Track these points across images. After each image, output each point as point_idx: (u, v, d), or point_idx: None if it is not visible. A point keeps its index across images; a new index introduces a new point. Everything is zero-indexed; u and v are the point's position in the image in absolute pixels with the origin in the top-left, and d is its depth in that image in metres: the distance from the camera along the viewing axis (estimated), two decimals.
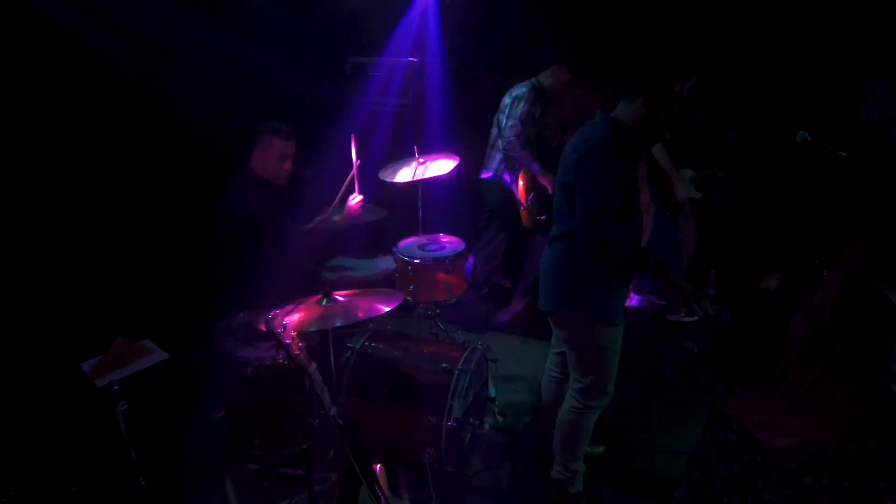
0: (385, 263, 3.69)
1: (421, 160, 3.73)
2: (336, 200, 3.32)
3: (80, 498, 2.58)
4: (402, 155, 3.87)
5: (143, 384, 2.56)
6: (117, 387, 2.37)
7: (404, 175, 3.73)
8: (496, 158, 4.37)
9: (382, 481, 2.32)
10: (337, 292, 2.68)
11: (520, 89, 4.21)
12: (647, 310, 5.04)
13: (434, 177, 3.70)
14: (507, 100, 4.23)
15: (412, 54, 4.99)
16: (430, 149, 3.99)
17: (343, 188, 3.31)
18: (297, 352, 2.05)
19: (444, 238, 3.83)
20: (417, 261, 3.54)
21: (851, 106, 4.28)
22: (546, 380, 3.09)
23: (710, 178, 4.44)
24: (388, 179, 3.75)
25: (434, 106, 5.03)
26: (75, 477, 2.61)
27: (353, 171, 3.30)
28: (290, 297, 2.85)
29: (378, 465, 2.41)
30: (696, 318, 4.57)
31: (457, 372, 2.81)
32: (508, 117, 4.18)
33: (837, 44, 4.14)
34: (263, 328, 2.07)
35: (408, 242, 3.78)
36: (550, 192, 4.24)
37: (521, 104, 4.16)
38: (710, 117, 4.52)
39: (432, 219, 3.99)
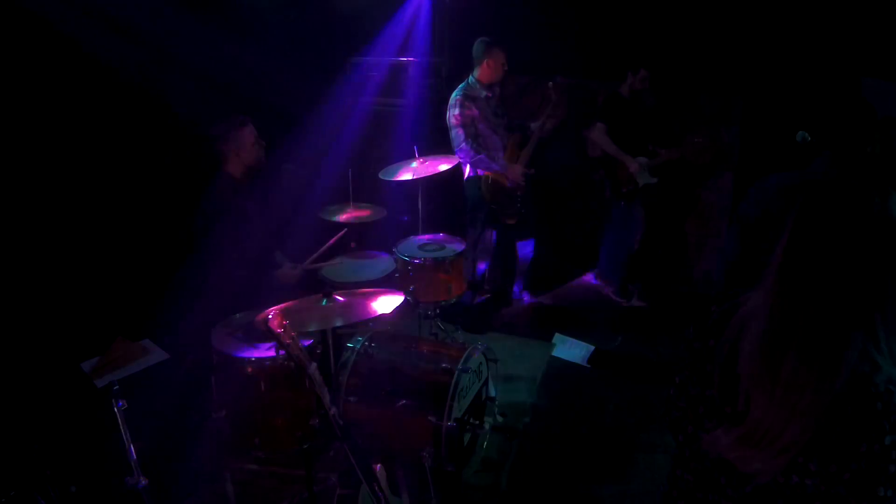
0: (385, 263, 3.70)
1: (421, 160, 3.73)
2: (316, 255, 3.42)
3: (80, 498, 2.57)
4: (402, 155, 3.88)
5: (143, 384, 2.56)
6: (117, 387, 2.37)
7: (404, 175, 3.73)
8: None
9: (382, 481, 2.32)
10: (337, 292, 2.68)
11: (451, 98, 4.25)
12: (593, 290, 5.15)
13: (434, 176, 3.70)
14: None
15: (412, 54, 4.99)
16: (430, 149, 4.00)
17: (325, 248, 3.45)
18: (298, 352, 2.05)
19: (444, 238, 3.83)
20: (417, 261, 3.54)
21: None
22: None
23: (663, 162, 4.57)
24: (388, 179, 3.75)
25: (434, 106, 5.03)
26: (75, 477, 2.61)
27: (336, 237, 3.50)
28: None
29: (378, 465, 2.41)
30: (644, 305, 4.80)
31: (457, 372, 2.81)
32: (450, 130, 4.22)
33: (837, 44, 4.13)
34: (263, 328, 2.08)
35: (408, 242, 3.78)
36: (514, 185, 4.28)
37: (450, 111, 4.20)
38: (655, 105, 4.68)
39: (432, 219, 4.00)
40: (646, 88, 4.53)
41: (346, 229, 3.60)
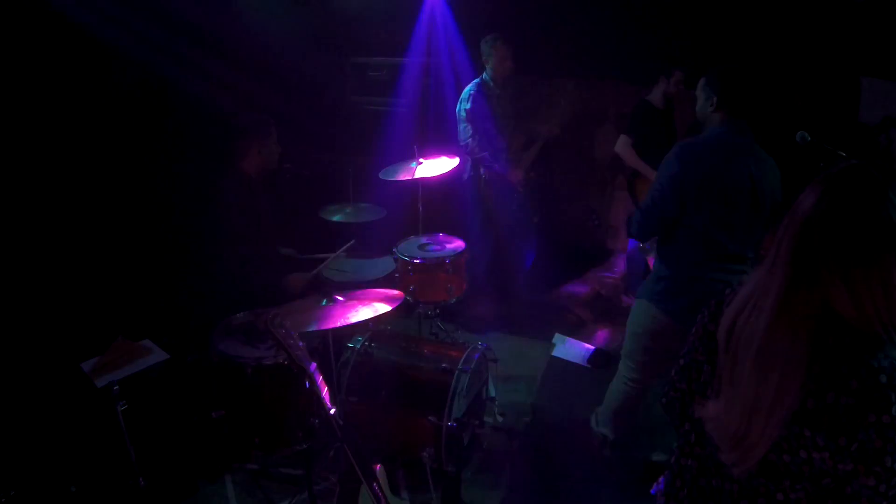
0: (385, 263, 3.69)
1: (421, 160, 3.73)
2: (320, 266, 3.40)
3: (80, 498, 2.58)
4: (402, 155, 3.87)
5: (143, 384, 2.56)
6: (117, 387, 2.37)
7: (404, 175, 3.73)
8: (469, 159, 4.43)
9: (382, 481, 2.32)
10: (337, 292, 2.68)
11: (464, 91, 4.28)
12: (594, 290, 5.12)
13: (434, 176, 3.70)
14: None
15: (411, 54, 4.99)
16: (430, 149, 3.99)
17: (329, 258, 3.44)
18: (298, 352, 2.05)
19: (444, 238, 3.83)
20: (417, 261, 3.54)
21: (851, 106, 4.28)
22: None
23: None
24: (388, 179, 3.75)
25: (434, 106, 5.04)
26: (75, 477, 2.61)
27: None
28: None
29: (378, 465, 2.40)
30: None
31: (457, 372, 2.81)
32: (459, 123, 4.25)
33: (837, 44, 4.14)
34: (263, 328, 2.08)
35: (408, 242, 3.78)
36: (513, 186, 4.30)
37: (462, 105, 4.23)
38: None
39: (432, 219, 3.99)
40: (680, 94, 4.28)
41: (353, 241, 3.60)
